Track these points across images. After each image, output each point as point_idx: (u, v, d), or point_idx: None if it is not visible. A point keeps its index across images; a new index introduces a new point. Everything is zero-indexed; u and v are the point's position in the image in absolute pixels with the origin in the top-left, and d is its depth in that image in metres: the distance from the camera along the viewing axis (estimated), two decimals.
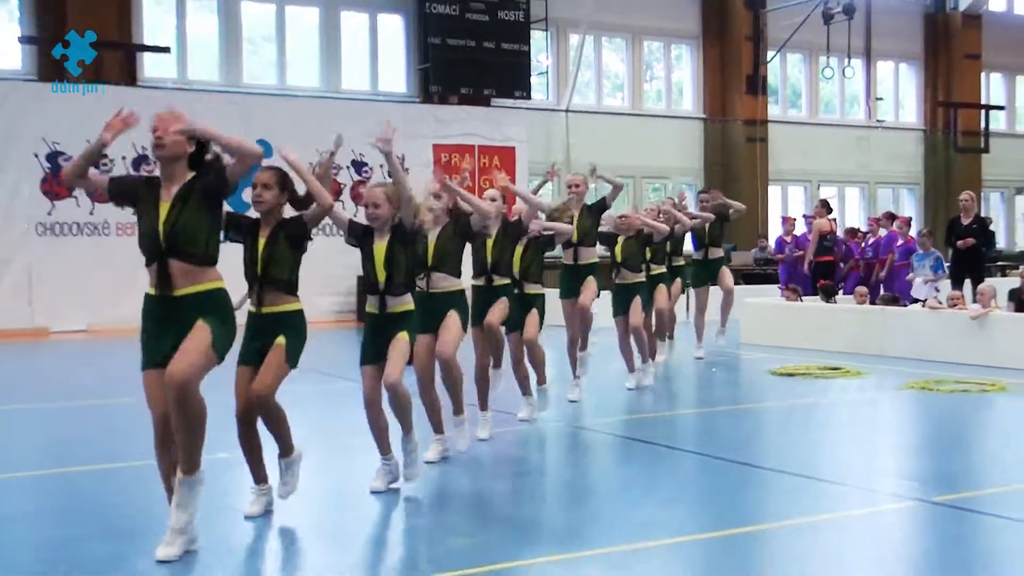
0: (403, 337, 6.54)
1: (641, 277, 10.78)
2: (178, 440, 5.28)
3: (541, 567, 5.27)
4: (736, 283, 16.15)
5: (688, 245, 14.58)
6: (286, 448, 6.16)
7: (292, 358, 6.01)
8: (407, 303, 6.65)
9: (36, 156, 18.54)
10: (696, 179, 27.67)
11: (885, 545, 5.76)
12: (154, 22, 21.46)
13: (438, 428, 7.51)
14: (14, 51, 20.12)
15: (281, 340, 5.94)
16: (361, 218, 7.02)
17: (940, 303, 14.64)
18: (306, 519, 6.16)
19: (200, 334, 5.29)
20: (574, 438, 8.63)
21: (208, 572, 5.16)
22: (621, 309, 10.51)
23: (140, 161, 19.29)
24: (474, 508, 6.43)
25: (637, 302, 10.49)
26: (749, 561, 5.43)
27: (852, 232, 20.12)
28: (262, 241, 6.13)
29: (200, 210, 5.46)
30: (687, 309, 14.90)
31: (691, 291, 14.72)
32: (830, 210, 19.85)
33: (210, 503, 5.64)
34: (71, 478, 7.29)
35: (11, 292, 18.28)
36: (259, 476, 6.16)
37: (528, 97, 23.72)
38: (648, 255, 11.35)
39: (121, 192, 5.53)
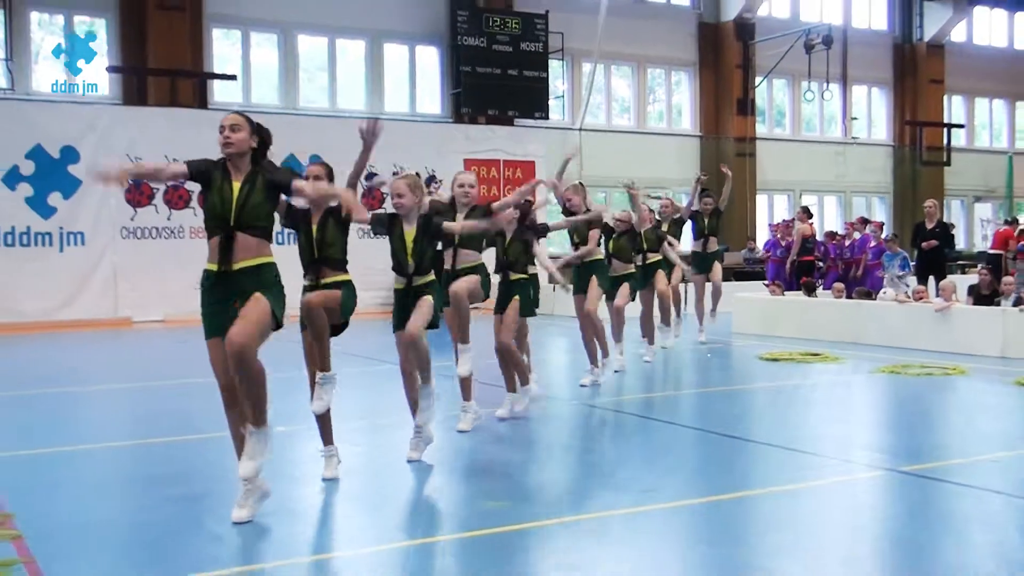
0: (427, 299, 6.56)
1: (631, 268, 10.69)
2: (245, 398, 5.25)
3: (556, 527, 5.25)
4: (726, 279, 16.14)
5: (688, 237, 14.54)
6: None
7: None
8: (430, 276, 6.67)
9: None
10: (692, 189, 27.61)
11: (859, 509, 5.74)
12: (222, 53, 21.55)
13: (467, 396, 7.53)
14: (104, 79, 20.21)
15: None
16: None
17: (908, 297, 14.56)
18: (352, 487, 6.12)
19: (258, 304, 5.27)
20: (585, 415, 8.60)
21: (270, 534, 5.16)
22: (611, 296, 10.45)
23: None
24: (498, 476, 6.42)
25: (625, 288, 10.46)
26: (739, 523, 5.41)
27: (831, 235, 20.03)
28: (314, 226, 6.11)
29: (265, 193, 5.46)
30: (684, 300, 14.81)
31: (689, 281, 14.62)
32: (811, 216, 19.78)
33: (269, 472, 5.62)
34: (151, 449, 7.32)
35: (99, 287, 18.40)
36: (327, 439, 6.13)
37: (546, 117, 23.72)
38: (644, 245, 11.25)
39: (199, 171, 5.56)
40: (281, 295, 5.41)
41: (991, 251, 19.49)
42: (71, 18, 20.13)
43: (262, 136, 5.58)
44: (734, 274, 21.90)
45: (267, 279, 5.38)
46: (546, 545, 4.95)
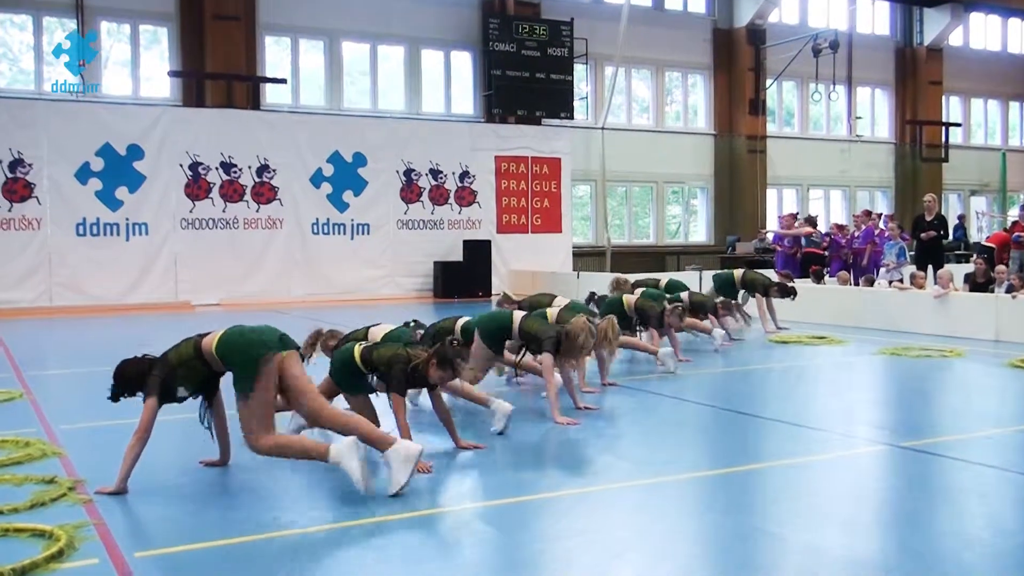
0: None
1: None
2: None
3: (580, 496, 5.26)
4: (737, 267, 16.06)
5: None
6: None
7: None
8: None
9: (181, 166, 18.76)
10: (707, 184, 27.54)
11: (862, 481, 5.71)
12: (274, 59, 21.62)
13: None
14: (164, 83, 20.36)
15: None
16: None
17: (901, 284, 14.47)
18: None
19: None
20: (606, 394, 8.58)
21: (324, 498, 5.19)
22: None
23: (262, 170, 19.45)
24: (518, 450, 6.42)
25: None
26: (749, 493, 5.39)
27: (839, 227, 19.88)
28: None
29: None
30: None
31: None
32: (815, 225, 19.68)
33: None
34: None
35: (161, 274, 18.56)
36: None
37: (571, 117, 23.67)
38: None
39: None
40: (241, 366, 5.35)
41: (985, 243, 19.29)
42: (136, 27, 20.25)
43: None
44: (746, 263, 21.77)
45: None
46: (559, 513, 4.95)
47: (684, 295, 11.98)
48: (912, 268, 16.94)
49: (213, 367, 5.50)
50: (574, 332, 7.24)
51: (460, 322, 8.27)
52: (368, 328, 7.51)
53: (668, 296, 11.40)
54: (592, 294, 11.53)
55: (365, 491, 5.07)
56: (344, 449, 5.10)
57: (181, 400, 5.58)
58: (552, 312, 8.75)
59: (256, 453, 5.35)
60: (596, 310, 9.77)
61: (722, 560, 4.29)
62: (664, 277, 14.26)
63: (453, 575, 4.08)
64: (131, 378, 5.48)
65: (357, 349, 6.24)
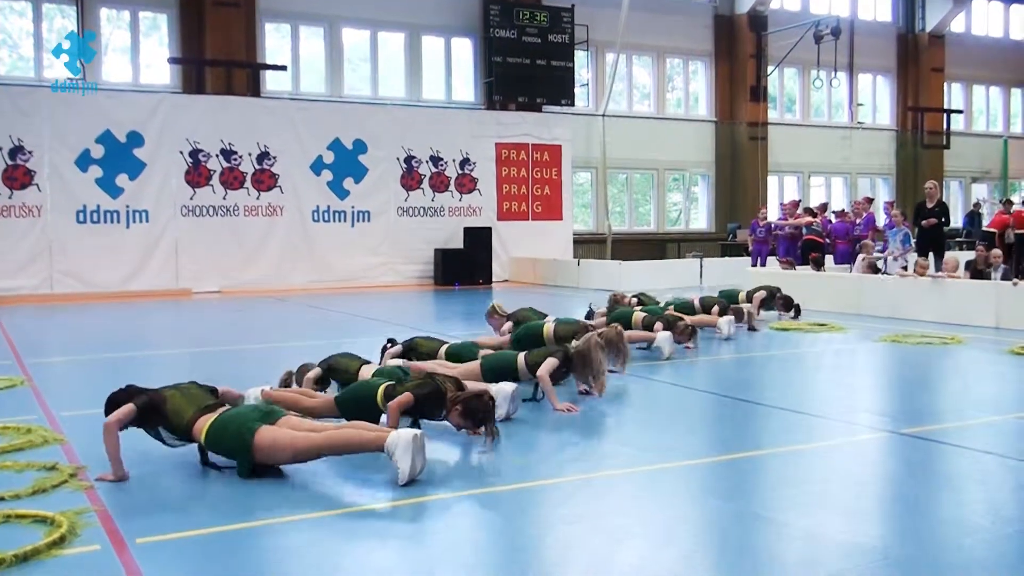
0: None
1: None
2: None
3: (581, 482, 5.27)
4: (738, 255, 16.05)
5: None
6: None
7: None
8: None
9: (181, 153, 18.74)
10: (708, 171, 27.53)
11: (863, 467, 5.71)
12: (274, 45, 21.58)
13: None
14: (164, 70, 20.32)
15: None
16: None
17: (906, 272, 14.45)
18: None
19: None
20: (608, 381, 8.58)
21: (322, 487, 5.20)
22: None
23: (262, 157, 19.43)
24: (521, 436, 6.42)
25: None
26: (750, 480, 5.40)
27: (841, 213, 19.88)
28: None
29: None
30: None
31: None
32: (814, 214, 19.65)
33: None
34: None
35: (162, 261, 18.57)
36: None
37: (572, 104, 23.65)
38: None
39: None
40: (236, 454, 5.30)
41: (986, 229, 19.29)
42: (136, 13, 20.20)
43: None
44: (745, 249, 21.76)
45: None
46: (561, 500, 4.96)
47: (696, 301, 12.03)
48: (915, 255, 16.93)
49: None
50: (589, 351, 7.26)
51: (444, 348, 8.23)
52: (360, 364, 7.37)
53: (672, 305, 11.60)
54: (591, 309, 11.56)
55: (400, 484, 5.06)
56: (400, 441, 5.07)
57: (168, 445, 5.57)
58: (548, 327, 8.76)
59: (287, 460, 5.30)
60: (589, 324, 9.68)
61: (723, 546, 4.30)
62: (667, 266, 14.34)
63: (454, 561, 4.08)
64: (121, 402, 5.45)
65: (381, 388, 6.18)
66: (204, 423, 5.34)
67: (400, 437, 5.09)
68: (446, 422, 6.05)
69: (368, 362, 7.43)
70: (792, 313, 13.18)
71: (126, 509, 4.76)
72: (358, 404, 6.25)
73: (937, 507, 4.82)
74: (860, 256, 16.38)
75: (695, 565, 4.03)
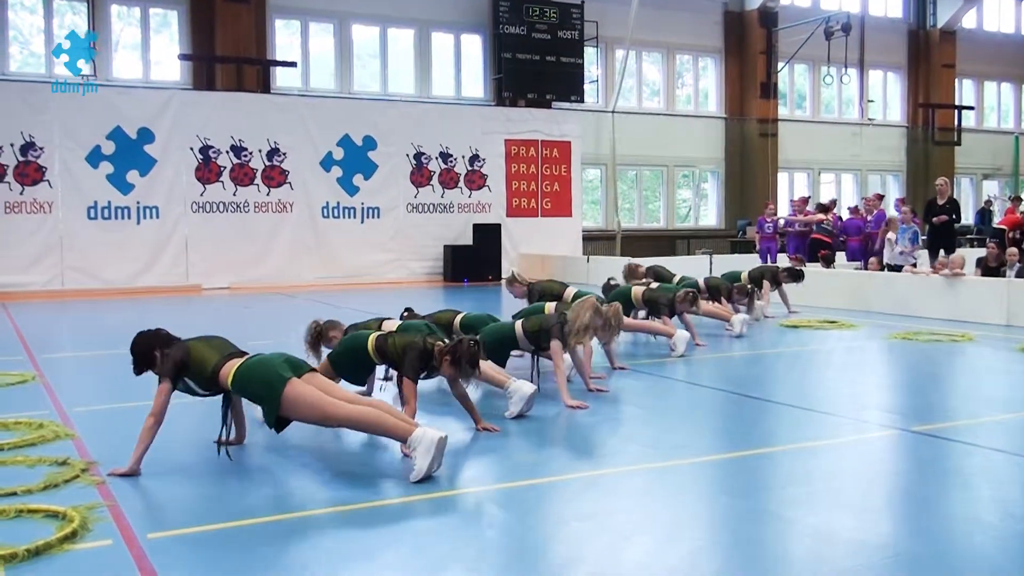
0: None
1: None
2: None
3: (590, 479, 5.27)
4: (748, 252, 16.02)
5: None
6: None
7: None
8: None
9: (191, 150, 18.79)
10: (718, 167, 27.48)
11: (873, 465, 5.70)
12: (284, 42, 21.61)
13: None
14: (174, 66, 20.36)
15: None
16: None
17: (916, 270, 14.41)
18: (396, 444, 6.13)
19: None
20: (617, 377, 8.59)
21: (334, 484, 5.22)
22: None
23: (272, 154, 19.47)
24: (530, 433, 6.43)
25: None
26: (760, 477, 5.40)
27: (854, 210, 19.79)
28: None
29: None
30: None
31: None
32: (825, 211, 19.57)
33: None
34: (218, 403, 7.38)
35: (172, 257, 18.62)
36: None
37: (582, 100, 23.63)
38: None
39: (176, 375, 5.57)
40: (263, 401, 5.32)
41: (997, 226, 19.20)
42: (146, 10, 20.24)
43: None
44: (755, 246, 21.70)
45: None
46: (570, 496, 4.97)
47: (700, 280, 12.00)
48: (925, 252, 16.88)
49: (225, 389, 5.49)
50: (580, 309, 7.25)
51: (459, 317, 8.26)
52: (381, 320, 7.46)
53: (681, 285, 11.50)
54: (610, 280, 11.49)
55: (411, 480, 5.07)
56: (425, 440, 5.05)
57: (197, 395, 5.59)
58: (551, 305, 8.76)
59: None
60: (604, 297, 9.73)
61: (732, 543, 4.30)
62: (676, 262, 14.21)
63: (464, 557, 4.09)
64: (142, 352, 5.50)
65: (372, 338, 6.23)
66: (231, 367, 5.36)
67: (425, 435, 5.08)
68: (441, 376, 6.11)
69: (388, 318, 7.52)
70: (800, 280, 13.13)
71: (138, 504, 4.78)
72: (350, 359, 6.27)
73: (947, 505, 4.81)
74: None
75: (704, 562, 4.04)
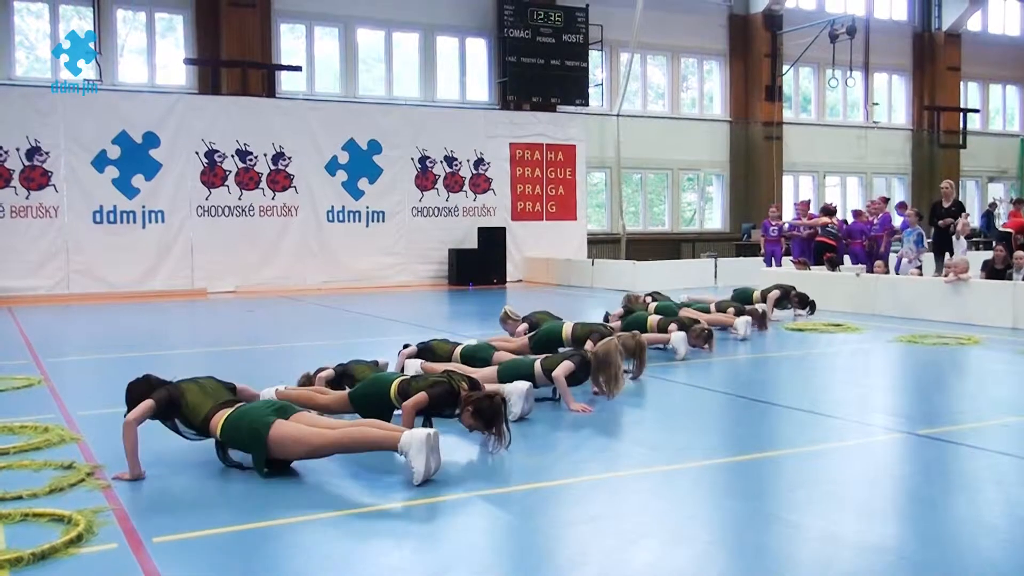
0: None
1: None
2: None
3: (595, 482, 5.26)
4: (752, 255, 15.99)
5: None
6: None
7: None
8: None
9: (197, 154, 18.81)
10: (723, 171, 27.47)
11: (878, 468, 5.69)
12: (289, 46, 21.64)
13: None
14: (180, 71, 20.41)
15: None
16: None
17: (920, 273, 14.40)
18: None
19: None
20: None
21: (343, 487, 5.22)
22: None
23: (277, 158, 19.49)
24: (536, 436, 6.42)
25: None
26: (765, 480, 5.39)
27: (858, 213, 19.77)
28: None
29: None
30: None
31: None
32: (832, 213, 19.54)
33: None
34: None
35: (177, 261, 18.65)
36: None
37: (586, 104, 23.63)
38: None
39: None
40: (251, 449, 5.33)
41: (1003, 229, 19.17)
42: (152, 15, 20.29)
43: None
44: (760, 249, 21.68)
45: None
46: (575, 499, 4.96)
47: (712, 305, 12.03)
48: (930, 255, 16.86)
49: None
50: (608, 355, 7.26)
51: (458, 349, 8.22)
52: (376, 362, 7.41)
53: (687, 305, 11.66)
54: (607, 315, 11.53)
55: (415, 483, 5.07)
56: (414, 441, 5.07)
57: (185, 437, 5.61)
58: (567, 327, 8.75)
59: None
60: (607, 326, 9.67)
61: (738, 546, 4.29)
62: (681, 266, 14.25)
63: (469, 561, 4.09)
64: (138, 396, 5.48)
65: (395, 383, 6.20)
66: (220, 418, 5.38)
67: (414, 436, 5.09)
68: (459, 422, 6.05)
69: (382, 368, 7.44)
70: (807, 310, 13.13)
71: (143, 508, 4.78)
72: (371, 400, 6.26)
73: (953, 508, 4.80)
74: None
75: (709, 565, 4.03)
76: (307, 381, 7.34)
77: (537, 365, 7.46)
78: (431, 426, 5.82)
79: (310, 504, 4.85)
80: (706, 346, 9.99)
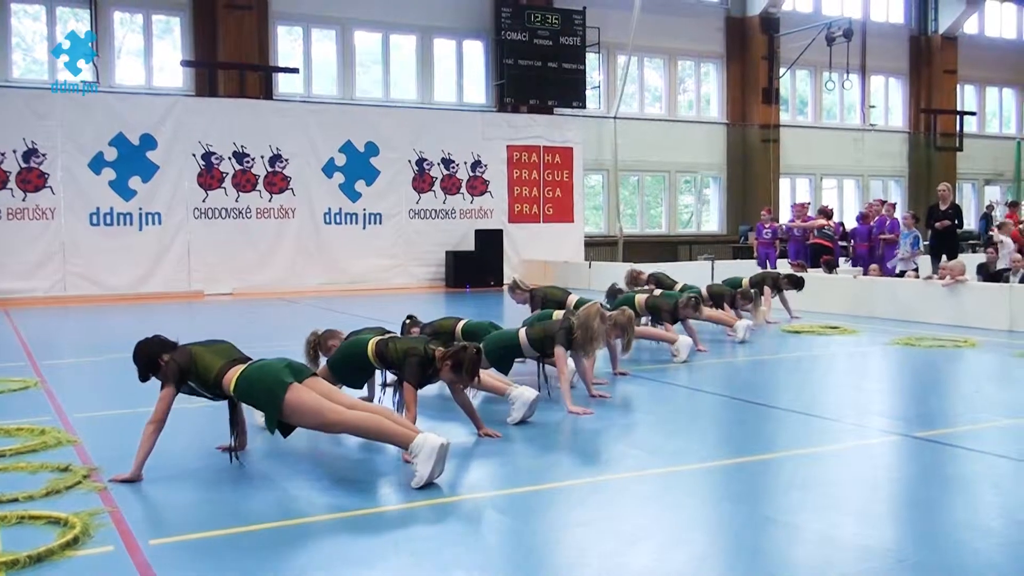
0: None
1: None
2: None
3: (594, 484, 5.26)
4: (748, 257, 16.01)
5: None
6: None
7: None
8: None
9: (194, 156, 18.80)
10: (720, 173, 27.49)
11: (875, 471, 5.69)
12: (286, 48, 21.65)
13: None
14: (177, 73, 20.40)
15: None
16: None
17: (917, 275, 14.41)
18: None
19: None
20: (620, 383, 8.57)
21: (335, 489, 5.21)
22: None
23: (274, 160, 19.48)
24: (533, 438, 6.42)
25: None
26: (762, 482, 5.39)
27: (861, 217, 19.78)
28: None
29: None
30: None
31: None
32: (829, 215, 19.55)
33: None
34: (221, 410, 7.38)
35: (174, 263, 18.63)
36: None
37: (583, 106, 23.64)
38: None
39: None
40: (265, 407, 5.29)
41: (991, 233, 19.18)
42: (149, 16, 20.29)
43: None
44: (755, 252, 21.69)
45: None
46: (574, 502, 4.95)
47: (703, 288, 12.01)
48: (927, 258, 16.88)
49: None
50: (588, 318, 7.22)
51: (460, 324, 8.23)
52: (382, 330, 7.40)
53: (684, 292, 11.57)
54: (614, 285, 11.50)
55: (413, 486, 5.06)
56: (427, 446, 5.01)
57: (202, 396, 5.59)
58: (558, 313, 8.74)
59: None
60: (608, 303, 9.74)
61: (735, 549, 4.29)
62: (678, 268, 14.25)
63: (468, 563, 4.08)
64: (146, 358, 5.49)
65: (372, 343, 6.22)
66: (234, 373, 5.36)
67: (427, 442, 5.05)
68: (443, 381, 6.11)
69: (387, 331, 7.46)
70: (800, 287, 13.08)
71: (140, 510, 4.77)
72: (349, 363, 6.26)
73: (950, 511, 4.80)
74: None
75: (707, 568, 4.03)
76: (315, 339, 7.25)
77: (522, 335, 7.48)
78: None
79: (308, 506, 4.84)
80: (696, 314, 10.16)
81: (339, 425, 5.22)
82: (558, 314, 8.57)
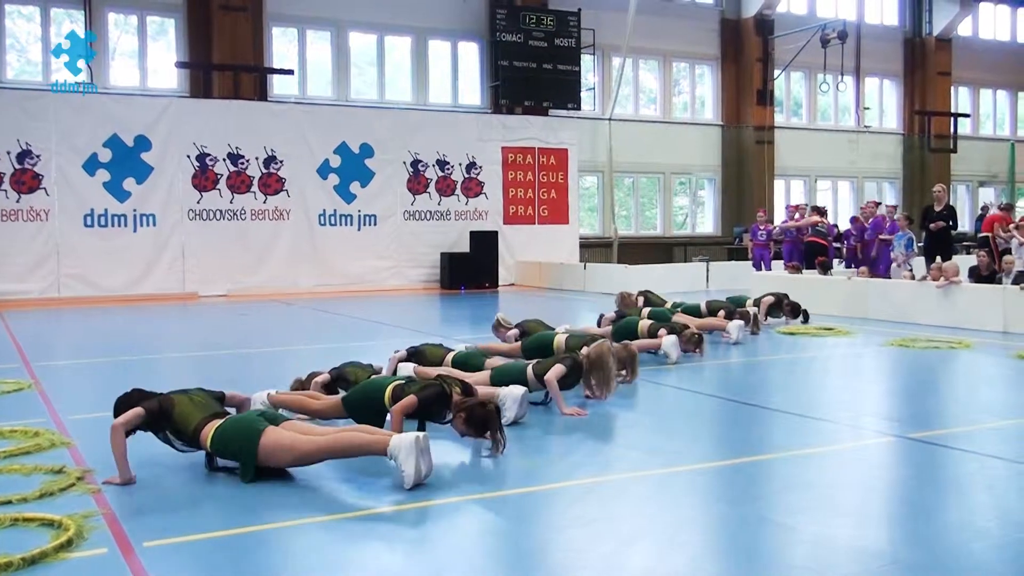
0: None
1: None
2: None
3: (589, 486, 5.25)
4: (742, 259, 16.03)
5: None
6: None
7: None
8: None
9: (188, 157, 18.78)
10: (715, 175, 27.52)
11: (870, 471, 5.69)
12: (281, 50, 21.65)
13: None
14: (171, 74, 20.38)
15: None
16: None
17: (912, 277, 14.41)
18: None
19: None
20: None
21: (326, 492, 5.20)
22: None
23: (269, 161, 19.46)
24: (530, 439, 6.41)
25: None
26: (757, 484, 5.39)
27: (855, 219, 19.78)
28: None
29: None
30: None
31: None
32: (823, 213, 19.57)
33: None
34: None
35: (168, 265, 18.60)
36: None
37: (578, 108, 23.67)
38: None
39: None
40: (241, 456, 5.30)
41: (980, 234, 19.18)
42: (144, 18, 20.27)
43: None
44: (749, 253, 21.73)
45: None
46: (569, 503, 4.95)
47: (702, 304, 12.06)
48: (921, 259, 16.91)
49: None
50: (601, 358, 7.28)
51: (451, 355, 8.18)
52: (370, 375, 7.35)
53: (679, 309, 11.69)
54: (601, 317, 11.52)
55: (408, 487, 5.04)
56: (404, 444, 5.04)
57: (176, 449, 5.58)
58: (559, 339, 8.74)
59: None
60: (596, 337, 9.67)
61: (731, 550, 4.29)
62: (673, 270, 14.31)
63: (463, 565, 4.07)
64: (125, 410, 5.45)
65: (389, 389, 6.17)
66: (210, 429, 5.37)
67: (403, 440, 5.07)
68: (451, 427, 6.03)
69: (377, 371, 7.42)
70: (800, 319, 13.13)
71: (133, 512, 4.76)
72: (365, 404, 6.24)
73: (945, 511, 4.80)
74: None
75: (703, 569, 4.02)
76: (299, 386, 7.31)
77: (529, 370, 7.44)
78: (423, 429, 5.81)
79: (301, 508, 4.83)
80: (696, 351, 10.01)
81: (315, 453, 5.26)
82: (560, 340, 8.73)
